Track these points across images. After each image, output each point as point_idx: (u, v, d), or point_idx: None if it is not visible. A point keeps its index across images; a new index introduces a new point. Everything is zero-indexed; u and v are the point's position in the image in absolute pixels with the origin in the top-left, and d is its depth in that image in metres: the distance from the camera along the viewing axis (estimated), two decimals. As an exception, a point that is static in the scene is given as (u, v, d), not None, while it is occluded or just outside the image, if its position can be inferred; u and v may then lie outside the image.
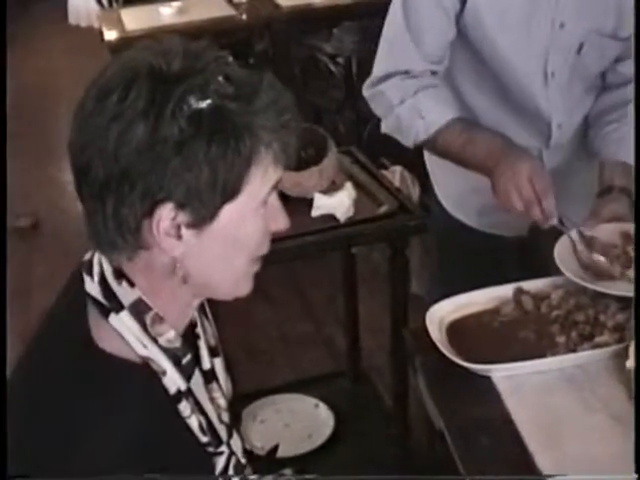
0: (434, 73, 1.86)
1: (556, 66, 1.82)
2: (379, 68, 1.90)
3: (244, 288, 1.15)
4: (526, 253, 2.13)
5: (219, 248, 1.07)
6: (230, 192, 1.02)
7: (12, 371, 1.12)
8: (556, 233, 2.04)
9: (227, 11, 4.16)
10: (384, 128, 1.91)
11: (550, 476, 1.28)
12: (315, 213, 2.14)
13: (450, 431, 1.42)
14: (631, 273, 1.60)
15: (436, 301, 1.66)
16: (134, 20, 4.17)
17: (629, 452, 1.33)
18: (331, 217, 2.14)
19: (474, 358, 1.51)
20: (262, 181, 1.04)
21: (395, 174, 2.79)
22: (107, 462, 1.01)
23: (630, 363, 1.41)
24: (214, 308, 1.33)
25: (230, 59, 1.05)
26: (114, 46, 3.97)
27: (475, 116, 1.93)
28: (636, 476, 1.17)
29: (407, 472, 2.48)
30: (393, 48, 1.88)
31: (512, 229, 2.07)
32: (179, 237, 1.03)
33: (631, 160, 1.80)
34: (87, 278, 1.11)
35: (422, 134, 1.82)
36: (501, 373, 1.51)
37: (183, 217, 1.01)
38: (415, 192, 2.70)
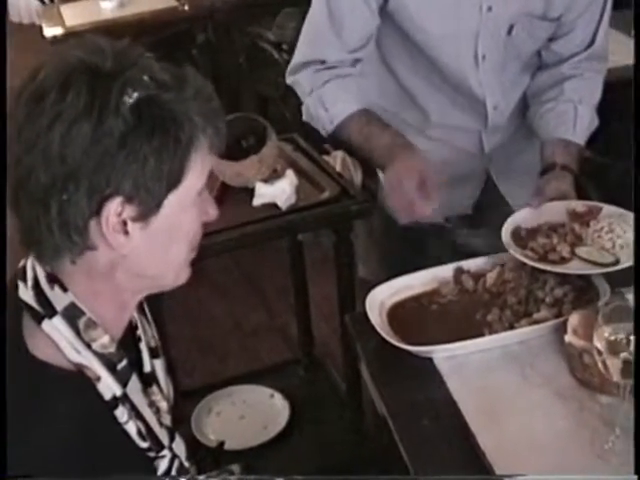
0: (356, 61, 1.85)
1: (486, 49, 1.81)
2: (297, 55, 1.89)
3: (184, 276, 1.16)
4: (471, 230, 2.13)
5: (163, 238, 1.07)
6: (174, 180, 1.03)
7: None
8: (501, 209, 2.05)
9: (169, 2, 4.12)
10: (304, 117, 1.92)
11: (509, 476, 1.26)
12: (257, 202, 2.11)
13: (392, 414, 1.41)
14: (581, 251, 1.60)
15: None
16: (74, 15, 4.13)
17: (571, 428, 1.34)
18: (273, 205, 2.12)
19: (415, 340, 1.51)
20: (202, 167, 1.07)
21: (337, 159, 2.78)
22: (43, 467, 1.00)
23: (569, 337, 1.41)
24: (160, 306, 1.32)
25: (148, 54, 1.06)
26: (55, 43, 3.92)
27: (414, 99, 1.93)
28: (636, 477, 1.16)
29: (359, 459, 2.49)
30: (312, 36, 1.87)
31: (457, 208, 2.07)
32: (126, 232, 1.03)
33: (571, 136, 1.81)
34: (21, 285, 1.10)
35: (327, 126, 1.84)
36: (442, 354, 1.50)
37: (130, 211, 1.02)
38: (357, 176, 2.69)
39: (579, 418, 1.36)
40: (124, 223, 1.02)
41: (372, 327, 1.54)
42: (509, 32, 1.79)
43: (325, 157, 2.44)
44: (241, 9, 3.98)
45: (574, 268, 1.58)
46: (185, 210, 1.07)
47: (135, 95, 0.99)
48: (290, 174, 2.19)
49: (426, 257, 1.96)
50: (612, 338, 1.24)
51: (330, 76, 1.81)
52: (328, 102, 1.80)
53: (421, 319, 1.59)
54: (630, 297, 1.38)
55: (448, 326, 1.56)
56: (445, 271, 1.67)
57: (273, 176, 2.17)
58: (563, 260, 1.60)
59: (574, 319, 1.43)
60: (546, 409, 1.39)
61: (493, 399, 1.41)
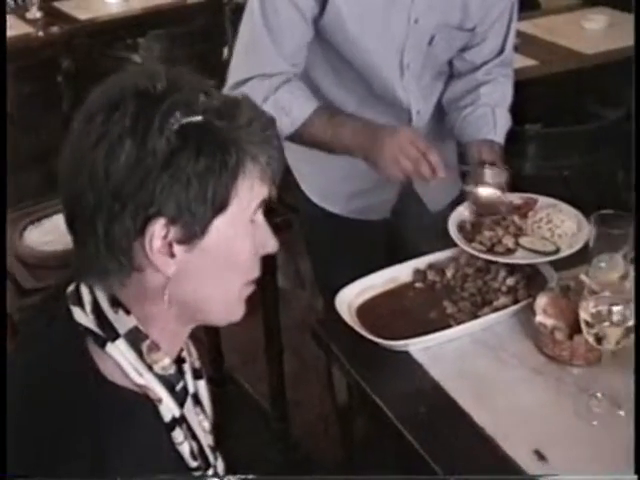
0: (294, 68, 1.91)
1: (411, 58, 1.92)
2: (238, 73, 1.90)
3: (237, 312, 1.13)
4: (392, 234, 2.23)
5: (211, 265, 1.06)
6: (219, 205, 1.02)
7: None
8: (418, 212, 2.16)
9: (22, 29, 3.99)
10: None
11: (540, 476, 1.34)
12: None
13: (389, 406, 1.48)
14: (524, 241, 1.73)
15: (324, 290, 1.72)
16: None
17: (554, 398, 1.47)
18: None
19: (389, 337, 1.58)
20: (250, 195, 1.05)
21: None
22: None
23: (539, 317, 1.54)
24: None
25: (207, 82, 1.07)
26: None
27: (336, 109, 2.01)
28: (636, 477, 1.22)
29: (291, 465, 2.54)
30: (252, 52, 1.90)
31: (377, 212, 2.16)
32: (172, 255, 1.02)
33: (493, 137, 1.94)
34: (75, 309, 1.08)
35: (288, 129, 1.86)
36: (417, 346, 1.59)
37: (174, 233, 1.01)
38: (273, 190, 2.72)
39: (558, 388, 1.49)
40: (170, 245, 1.02)
41: (342, 329, 1.62)
42: (430, 42, 1.91)
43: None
44: (102, 33, 3.94)
45: (520, 258, 1.71)
46: (235, 236, 1.05)
47: (183, 118, 0.99)
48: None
49: (356, 260, 2.03)
50: (593, 310, 1.38)
51: (278, 82, 1.86)
52: (287, 106, 1.84)
53: (388, 317, 1.67)
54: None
55: (415, 321, 1.65)
56: (404, 269, 1.77)
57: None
58: (509, 251, 1.72)
59: (542, 300, 1.55)
60: (527, 384, 1.51)
61: (477, 382, 1.52)
